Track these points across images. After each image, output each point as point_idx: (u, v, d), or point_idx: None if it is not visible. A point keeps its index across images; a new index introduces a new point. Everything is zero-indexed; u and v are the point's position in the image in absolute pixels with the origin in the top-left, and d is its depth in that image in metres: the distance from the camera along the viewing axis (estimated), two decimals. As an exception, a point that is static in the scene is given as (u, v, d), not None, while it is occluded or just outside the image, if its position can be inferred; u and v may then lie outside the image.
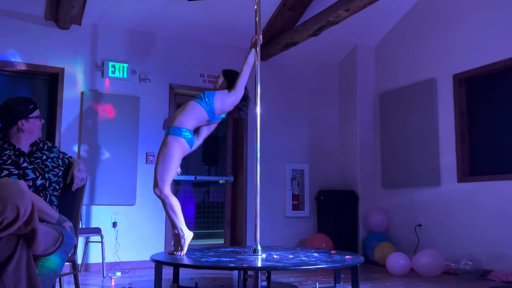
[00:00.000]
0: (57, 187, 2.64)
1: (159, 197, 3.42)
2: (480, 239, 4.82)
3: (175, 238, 3.47)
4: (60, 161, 2.71)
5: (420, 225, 5.51)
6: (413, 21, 5.86)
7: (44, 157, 2.63)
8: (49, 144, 2.73)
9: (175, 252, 3.42)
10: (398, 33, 6.07)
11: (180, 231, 3.42)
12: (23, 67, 4.92)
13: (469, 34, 5.17)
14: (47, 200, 2.55)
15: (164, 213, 5.35)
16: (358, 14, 4.97)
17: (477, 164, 5.10)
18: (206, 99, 3.49)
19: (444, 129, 5.37)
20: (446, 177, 5.28)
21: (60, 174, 2.67)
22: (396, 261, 4.81)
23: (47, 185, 2.56)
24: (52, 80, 5.18)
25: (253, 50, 3.77)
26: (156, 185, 3.41)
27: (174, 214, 3.42)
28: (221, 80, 3.71)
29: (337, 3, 4.76)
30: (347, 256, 3.45)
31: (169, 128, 3.50)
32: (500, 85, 4.95)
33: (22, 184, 2.42)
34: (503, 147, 4.86)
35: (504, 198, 4.66)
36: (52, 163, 2.65)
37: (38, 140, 2.68)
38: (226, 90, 3.61)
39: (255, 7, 3.80)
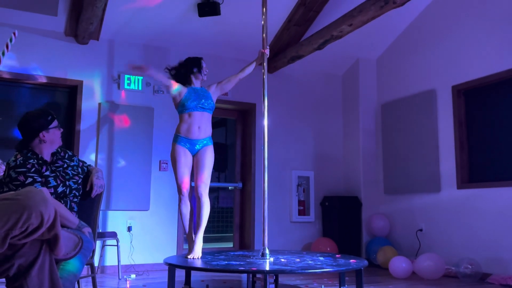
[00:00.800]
0: (77, 193, 2.66)
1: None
2: (479, 243, 4.79)
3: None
4: (79, 169, 2.74)
5: (421, 230, 5.48)
6: (413, 36, 5.87)
7: (65, 165, 2.66)
8: (70, 153, 2.76)
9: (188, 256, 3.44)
10: (398, 46, 6.08)
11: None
12: (44, 80, 4.99)
13: (467, 47, 5.17)
14: (68, 207, 2.58)
15: (176, 217, 5.41)
16: (361, 29, 4.99)
17: (475, 171, 5.08)
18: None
19: (443, 138, 5.35)
20: (446, 184, 5.25)
21: (79, 181, 2.70)
22: (398, 264, 4.78)
23: (67, 192, 2.59)
24: (71, 92, 5.24)
25: (253, 64, 3.87)
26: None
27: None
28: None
29: (341, 18, 4.78)
30: (351, 260, 3.45)
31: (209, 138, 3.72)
32: (497, 96, 4.94)
33: (46, 192, 2.45)
34: (500, 155, 4.84)
35: (501, 204, 4.63)
36: (72, 171, 2.67)
37: (59, 149, 2.71)
38: (209, 93, 3.76)
39: (262, 22, 3.84)
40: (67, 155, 2.72)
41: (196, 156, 3.64)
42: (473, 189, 4.96)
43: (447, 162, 5.27)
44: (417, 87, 5.73)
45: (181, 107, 3.68)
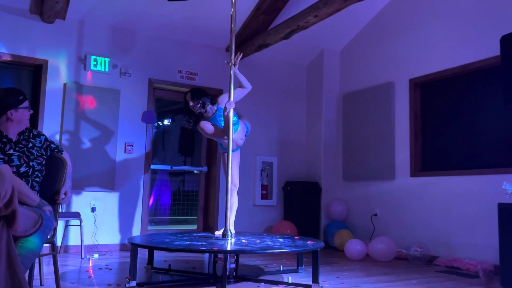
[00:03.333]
0: (39, 174, 2.59)
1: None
2: (429, 228, 4.97)
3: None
4: (42, 150, 2.65)
5: (376, 215, 5.64)
6: (375, 29, 5.96)
7: (30, 145, 2.58)
8: (34, 132, 2.66)
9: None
10: (361, 39, 6.16)
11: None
12: (8, 58, 4.78)
13: (425, 42, 5.30)
14: (29, 185, 2.50)
15: (140, 198, 5.35)
16: (326, 20, 5.03)
17: (428, 161, 5.25)
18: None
19: (399, 129, 5.49)
20: (400, 172, 5.41)
21: (43, 162, 2.62)
22: (354, 247, 4.91)
23: (30, 173, 2.52)
24: (36, 71, 5.04)
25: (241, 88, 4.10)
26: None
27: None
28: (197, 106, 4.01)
29: (306, 9, 4.79)
30: (309, 242, 3.51)
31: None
32: (451, 90, 5.10)
33: (4, 168, 2.37)
34: (451, 146, 5.01)
35: (451, 191, 4.82)
36: (37, 152, 2.59)
37: (25, 130, 2.62)
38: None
39: (231, 10, 3.80)
40: (31, 134, 2.63)
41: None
42: (425, 177, 5.13)
43: (402, 152, 5.41)
44: (377, 79, 5.84)
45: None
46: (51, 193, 2.69)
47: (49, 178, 2.70)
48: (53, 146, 2.74)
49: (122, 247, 5.12)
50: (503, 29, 4.33)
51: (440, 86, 5.19)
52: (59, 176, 2.75)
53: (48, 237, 2.49)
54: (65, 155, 2.82)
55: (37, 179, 2.58)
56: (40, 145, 2.64)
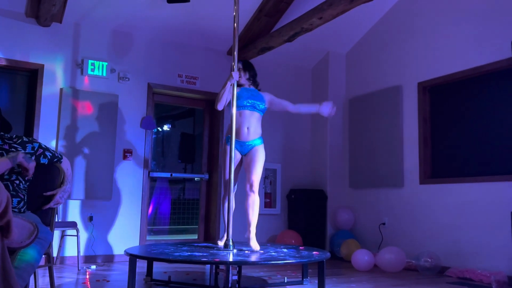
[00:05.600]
0: (21, 179, 2.60)
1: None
2: (439, 237, 4.95)
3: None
4: (33, 157, 2.65)
5: (384, 224, 5.62)
6: (382, 31, 5.97)
7: (7, 146, 2.59)
8: (25, 139, 2.67)
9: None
10: (368, 42, 6.17)
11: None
12: (3, 62, 4.81)
13: (433, 45, 5.30)
14: (11, 189, 2.51)
15: (139, 207, 5.35)
16: (331, 22, 5.04)
17: (438, 167, 5.23)
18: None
19: (408, 134, 5.48)
20: (409, 179, 5.39)
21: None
22: (361, 257, 4.89)
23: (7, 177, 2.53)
24: (32, 76, 5.07)
25: (312, 108, 4.14)
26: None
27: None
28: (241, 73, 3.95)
29: (311, 11, 4.81)
30: (314, 252, 3.50)
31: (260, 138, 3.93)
32: (460, 93, 5.09)
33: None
34: (462, 152, 5.00)
35: (461, 199, 4.80)
36: None
37: (12, 136, 2.63)
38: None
39: (234, 13, 3.82)
40: (20, 140, 2.64)
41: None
42: (435, 184, 5.11)
43: (411, 158, 5.40)
44: (384, 82, 5.84)
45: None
46: (43, 201, 2.69)
47: (43, 185, 2.70)
48: (48, 154, 2.72)
49: (121, 257, 5.12)
50: (515, 31, 4.33)
51: (450, 90, 5.19)
52: (55, 184, 2.75)
53: (46, 249, 2.49)
54: (65, 161, 2.82)
55: (21, 185, 2.58)
56: (33, 151, 2.64)
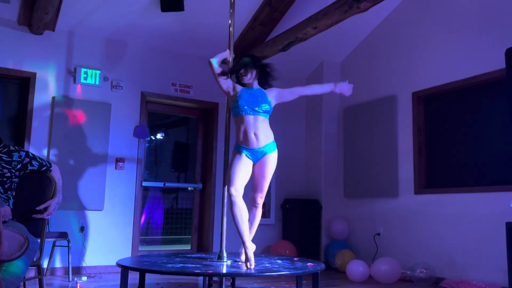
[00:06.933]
0: (4, 185, 2.59)
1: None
2: (434, 248, 4.96)
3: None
4: (20, 165, 2.65)
5: (378, 234, 5.62)
6: (376, 41, 6.02)
7: None
8: (11, 148, 2.67)
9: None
10: (362, 51, 6.22)
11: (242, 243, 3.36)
12: (-6, 71, 4.80)
13: (428, 55, 5.35)
14: None
15: (132, 217, 5.32)
16: (326, 32, 5.07)
17: (432, 177, 5.26)
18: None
19: (402, 144, 5.51)
20: (404, 189, 5.41)
21: (7, 174, 2.62)
22: (356, 268, 4.89)
23: None
24: (24, 84, 5.06)
25: (327, 87, 3.70)
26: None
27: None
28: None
29: (305, 20, 4.84)
30: (308, 263, 3.50)
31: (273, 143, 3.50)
32: (455, 103, 5.13)
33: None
34: (457, 162, 5.03)
35: (457, 209, 4.82)
36: (4, 164, 2.59)
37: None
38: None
39: (229, 21, 3.84)
40: (6, 149, 2.64)
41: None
42: (430, 194, 5.13)
43: (406, 168, 5.43)
44: (379, 92, 5.88)
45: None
46: (34, 211, 2.69)
47: (33, 195, 2.70)
48: (35, 163, 2.72)
49: (113, 268, 5.08)
50: (508, 42, 4.38)
51: (445, 100, 5.23)
52: (46, 195, 2.74)
53: (34, 259, 2.48)
54: (55, 169, 2.82)
55: (7, 192, 2.58)
56: (20, 159, 2.64)
